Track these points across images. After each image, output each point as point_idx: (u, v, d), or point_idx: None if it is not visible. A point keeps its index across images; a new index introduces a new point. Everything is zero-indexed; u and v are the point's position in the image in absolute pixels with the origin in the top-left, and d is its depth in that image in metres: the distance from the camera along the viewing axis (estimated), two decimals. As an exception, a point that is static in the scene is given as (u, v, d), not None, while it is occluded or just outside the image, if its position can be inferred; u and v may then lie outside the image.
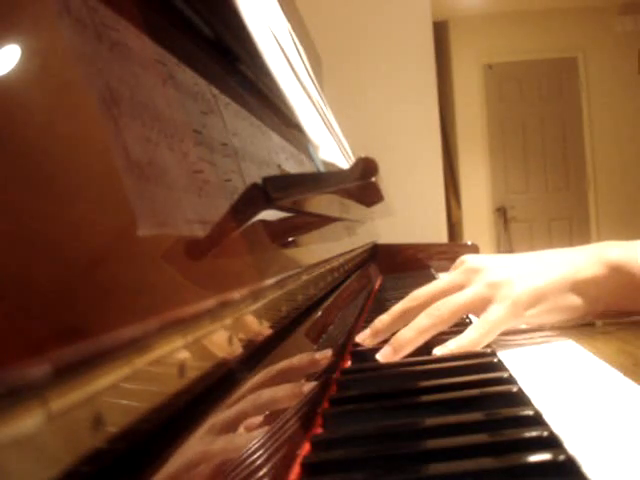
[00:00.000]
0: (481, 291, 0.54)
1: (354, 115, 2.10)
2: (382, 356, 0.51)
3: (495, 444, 0.30)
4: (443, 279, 0.59)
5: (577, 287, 0.55)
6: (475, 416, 0.34)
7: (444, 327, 0.54)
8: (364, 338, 0.56)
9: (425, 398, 0.39)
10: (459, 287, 0.56)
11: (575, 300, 0.55)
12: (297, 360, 0.39)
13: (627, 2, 4.70)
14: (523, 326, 0.58)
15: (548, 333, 0.57)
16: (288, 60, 0.78)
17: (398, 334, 0.52)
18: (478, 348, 0.51)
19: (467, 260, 0.59)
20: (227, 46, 0.44)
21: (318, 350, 0.45)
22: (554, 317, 0.56)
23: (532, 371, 0.44)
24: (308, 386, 0.38)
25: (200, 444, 0.23)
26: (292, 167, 0.56)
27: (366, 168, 0.50)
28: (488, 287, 0.54)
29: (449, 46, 4.93)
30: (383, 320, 0.56)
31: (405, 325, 0.53)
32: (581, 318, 0.58)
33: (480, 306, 0.54)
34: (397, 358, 0.51)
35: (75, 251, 0.17)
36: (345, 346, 0.57)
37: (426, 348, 0.52)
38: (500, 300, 0.53)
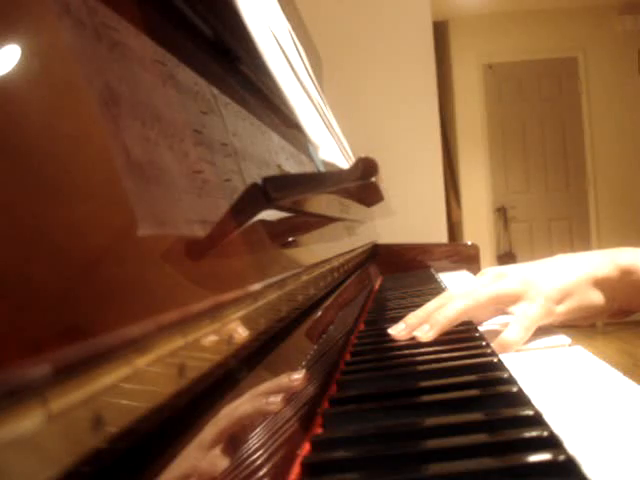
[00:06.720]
0: (514, 285, 0.57)
1: (354, 115, 2.10)
2: (420, 332, 0.55)
3: (495, 444, 0.30)
4: (473, 283, 0.62)
5: (597, 284, 0.58)
6: (475, 416, 0.34)
7: (479, 311, 0.58)
8: (399, 331, 0.58)
9: (425, 398, 0.39)
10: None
11: (597, 296, 0.58)
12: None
13: (627, 2, 4.70)
14: None
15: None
16: (288, 60, 0.78)
17: (436, 313, 0.56)
18: (521, 345, 0.53)
19: (491, 269, 0.63)
20: (227, 46, 0.44)
21: (318, 349, 0.45)
22: (579, 314, 0.58)
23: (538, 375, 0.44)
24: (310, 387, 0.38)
25: (200, 444, 0.23)
26: (292, 167, 0.56)
27: (366, 168, 0.50)
28: (520, 283, 0.57)
29: (449, 46, 4.92)
30: (418, 315, 0.59)
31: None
32: (599, 316, 0.60)
33: (511, 299, 0.57)
34: (433, 336, 0.54)
35: (75, 251, 0.17)
36: (345, 345, 0.57)
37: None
38: (532, 298, 0.56)
